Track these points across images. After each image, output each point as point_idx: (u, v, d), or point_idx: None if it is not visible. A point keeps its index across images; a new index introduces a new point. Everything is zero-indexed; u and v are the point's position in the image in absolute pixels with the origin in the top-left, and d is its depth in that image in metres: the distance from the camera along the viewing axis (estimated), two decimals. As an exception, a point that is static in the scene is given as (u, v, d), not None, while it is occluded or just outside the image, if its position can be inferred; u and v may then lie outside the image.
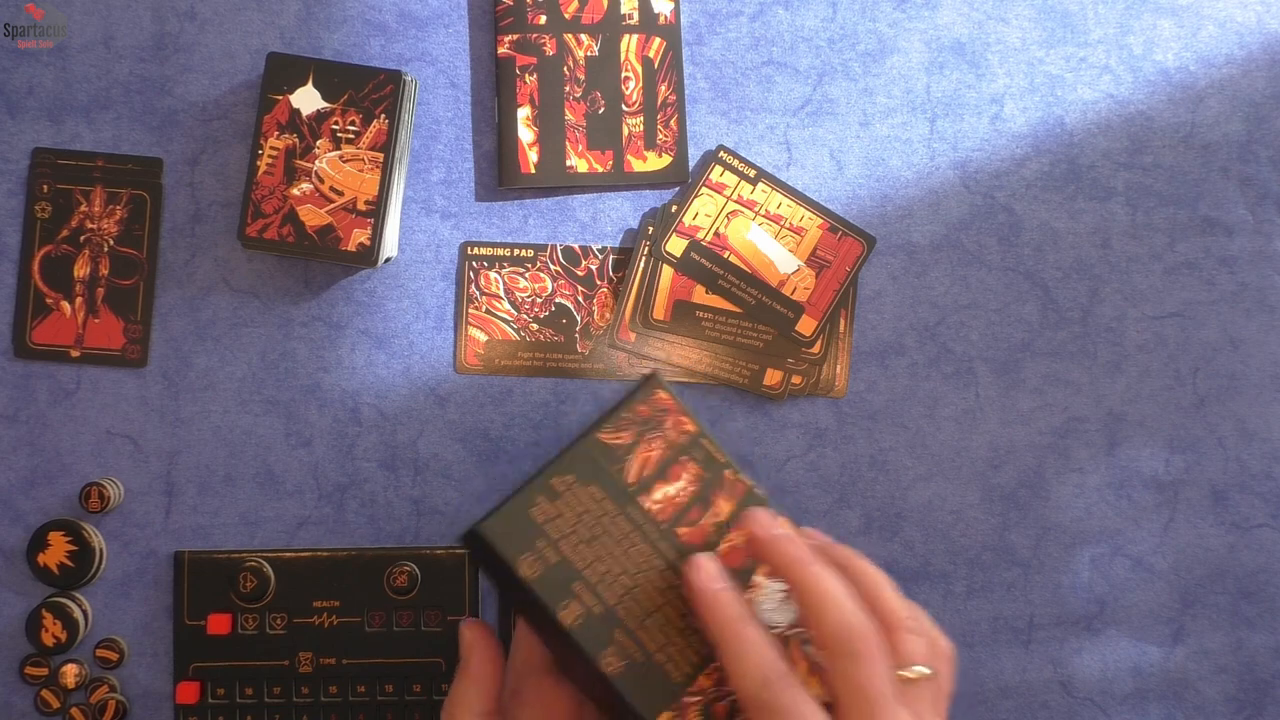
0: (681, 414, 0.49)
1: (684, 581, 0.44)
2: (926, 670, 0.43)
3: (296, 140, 0.56)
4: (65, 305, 0.59)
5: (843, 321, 0.61)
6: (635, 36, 0.60)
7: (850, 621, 0.41)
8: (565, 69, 0.60)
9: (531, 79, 0.60)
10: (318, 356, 0.60)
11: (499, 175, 0.60)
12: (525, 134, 0.60)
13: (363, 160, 0.56)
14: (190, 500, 0.59)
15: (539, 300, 0.60)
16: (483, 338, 0.60)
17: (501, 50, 0.60)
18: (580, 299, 0.60)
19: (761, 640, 0.42)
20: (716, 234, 0.60)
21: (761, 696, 0.40)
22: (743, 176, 0.60)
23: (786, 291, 0.60)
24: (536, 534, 0.43)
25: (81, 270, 0.59)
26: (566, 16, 0.60)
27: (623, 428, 0.47)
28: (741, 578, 0.45)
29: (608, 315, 0.60)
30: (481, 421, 0.60)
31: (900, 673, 0.42)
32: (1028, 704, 0.60)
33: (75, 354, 0.59)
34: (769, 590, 0.45)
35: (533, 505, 0.44)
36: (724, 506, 0.47)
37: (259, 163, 0.56)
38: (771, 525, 0.45)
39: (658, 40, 0.60)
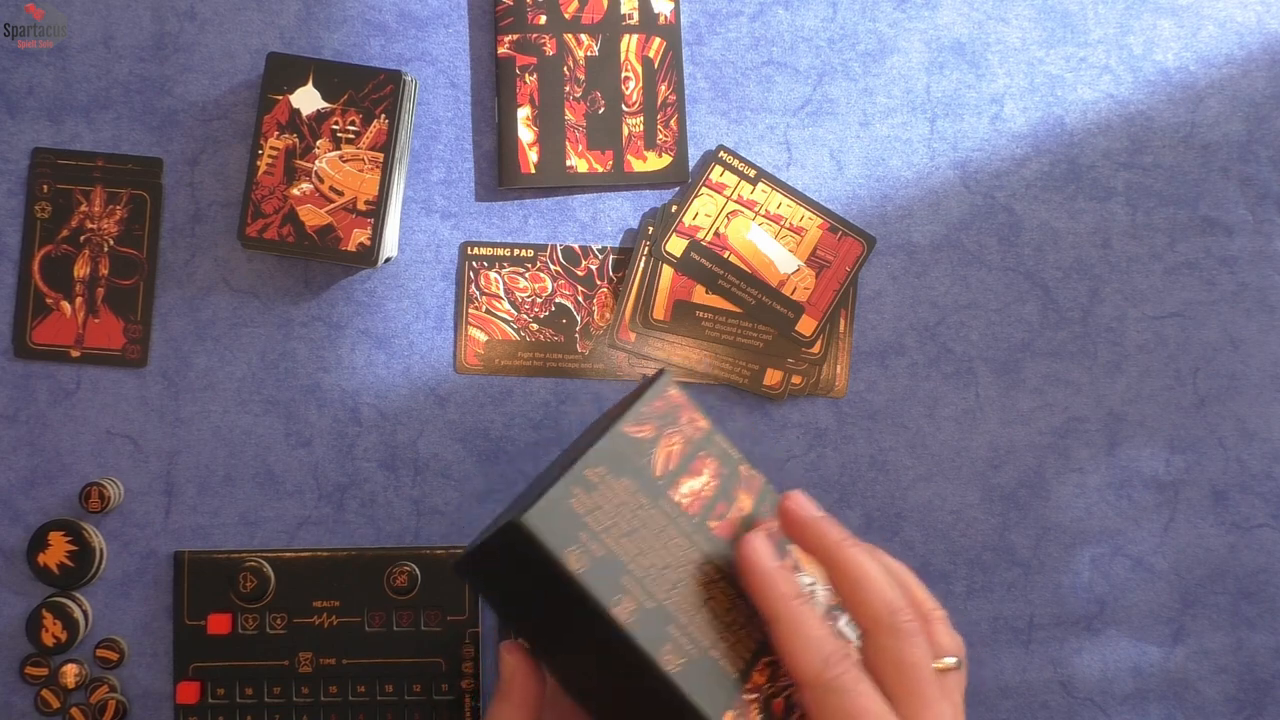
0: (693, 410, 0.48)
1: (739, 560, 0.42)
2: (954, 661, 0.43)
3: (296, 140, 0.56)
4: (65, 305, 0.59)
5: (843, 321, 0.61)
6: (635, 36, 0.60)
7: (893, 600, 0.41)
8: (565, 69, 0.60)
9: (531, 79, 0.60)
10: (318, 356, 0.60)
11: (499, 175, 0.60)
12: (525, 134, 0.60)
13: (363, 160, 0.56)
14: (190, 500, 0.59)
15: (539, 300, 0.60)
16: (483, 338, 0.60)
17: (501, 50, 0.60)
18: (580, 299, 0.60)
19: (820, 619, 0.41)
20: (716, 234, 0.60)
21: (824, 676, 0.40)
22: (743, 176, 0.60)
23: (786, 291, 0.60)
24: (579, 526, 0.40)
25: (81, 270, 0.59)
26: (566, 16, 0.60)
27: (642, 421, 0.45)
28: None
29: (608, 315, 0.60)
30: (481, 421, 0.60)
31: (933, 664, 0.42)
32: (1028, 704, 0.60)
33: (75, 354, 0.59)
34: (802, 582, 0.44)
35: (571, 497, 0.41)
36: (746, 501, 0.46)
37: (259, 163, 0.56)
38: (809, 507, 0.44)
39: (658, 40, 0.60)
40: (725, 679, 0.41)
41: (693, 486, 0.45)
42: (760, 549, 0.42)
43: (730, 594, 0.43)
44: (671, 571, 0.42)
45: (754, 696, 0.41)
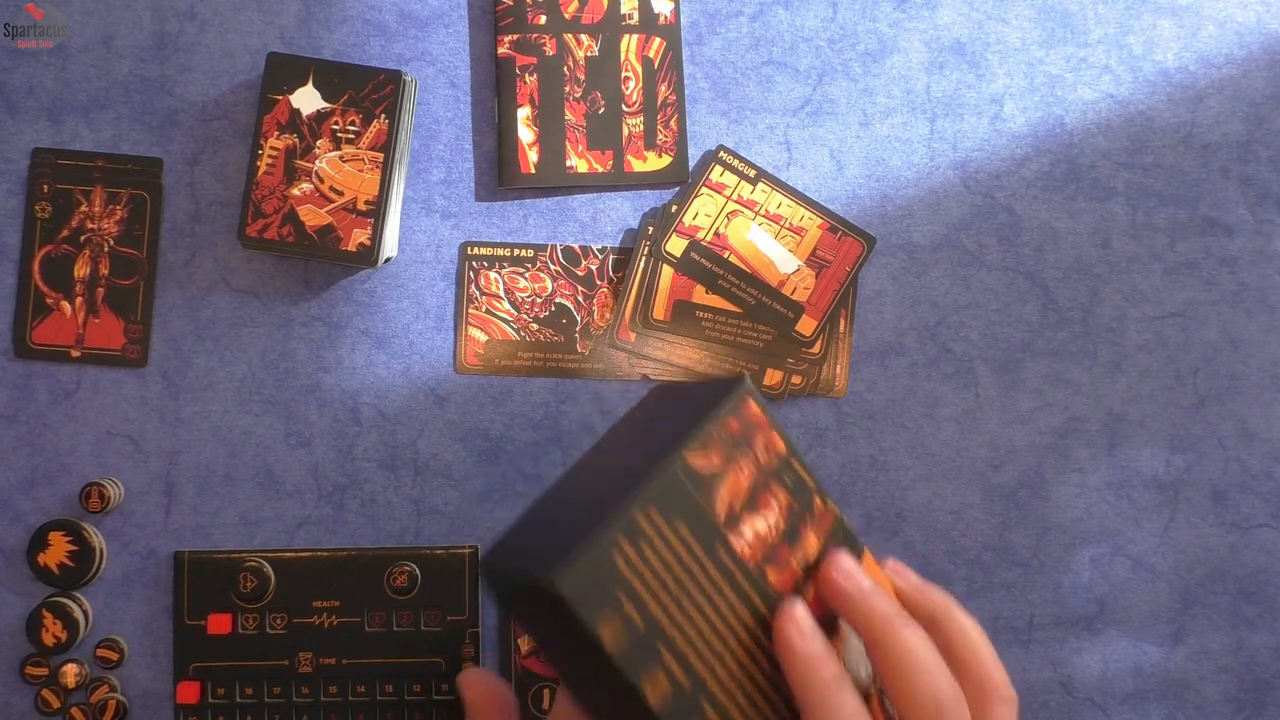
0: (772, 430, 0.41)
1: (775, 634, 0.39)
2: None
3: (296, 140, 0.56)
4: (65, 305, 0.59)
5: (843, 321, 0.61)
6: (635, 36, 0.60)
7: (939, 692, 0.38)
8: (565, 69, 0.60)
9: (531, 79, 0.60)
10: (318, 356, 0.60)
11: (499, 175, 0.60)
12: (525, 134, 0.60)
13: (363, 160, 0.56)
14: (190, 500, 0.59)
15: (539, 300, 0.60)
16: (483, 338, 0.60)
17: (501, 50, 0.60)
18: (580, 299, 0.60)
19: (854, 709, 0.37)
20: (716, 234, 0.60)
21: None
22: (743, 176, 0.60)
23: (786, 291, 0.60)
24: (619, 586, 0.36)
25: (81, 270, 0.59)
26: (566, 16, 0.60)
27: (711, 447, 0.39)
28: (827, 624, 0.41)
29: (608, 315, 0.60)
30: (481, 421, 0.60)
31: None
32: (1028, 704, 0.60)
33: (75, 354, 0.59)
34: (855, 640, 0.41)
35: (615, 548, 0.36)
36: (813, 543, 0.41)
37: (259, 163, 0.56)
38: (856, 577, 0.40)
39: (658, 40, 0.60)
40: None
41: (756, 528, 0.40)
42: (798, 624, 0.38)
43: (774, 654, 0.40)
44: (716, 637, 0.38)
45: None
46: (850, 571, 0.40)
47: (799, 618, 0.39)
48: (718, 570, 0.38)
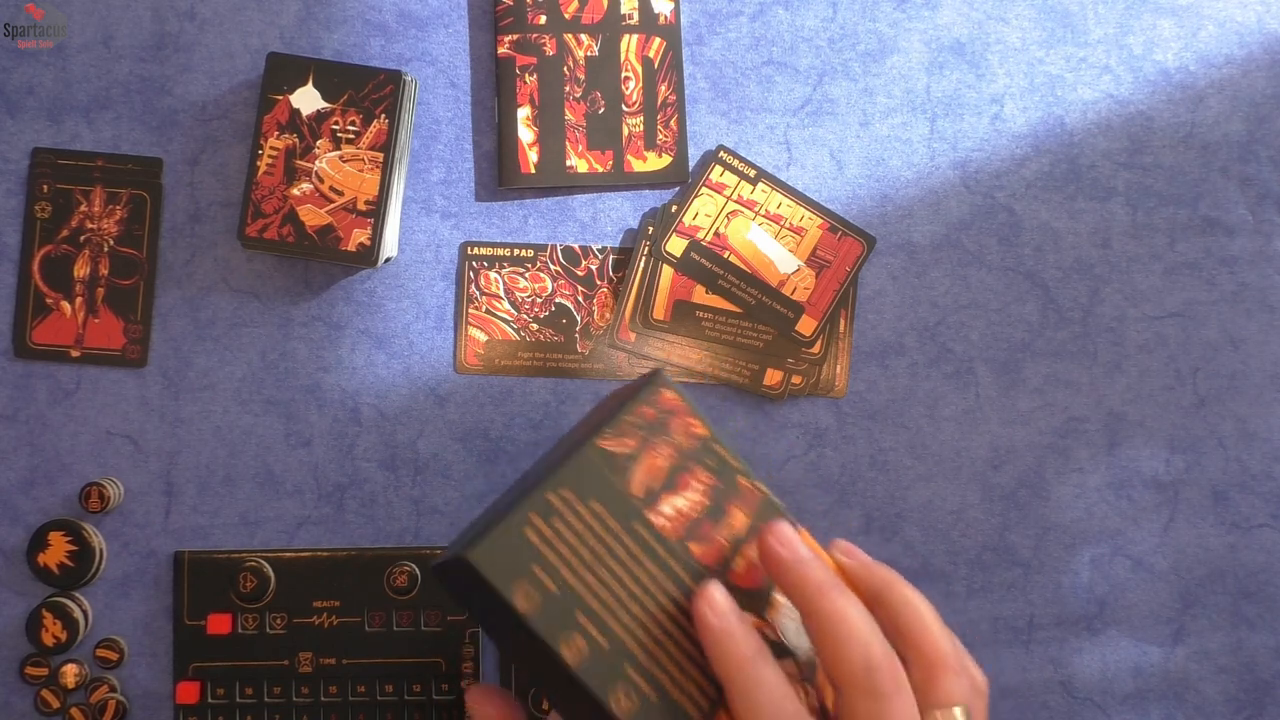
0: (690, 416, 0.44)
1: (692, 615, 0.39)
2: (959, 713, 0.39)
3: (296, 140, 0.56)
4: (65, 305, 0.59)
5: (843, 321, 0.61)
6: (635, 36, 0.60)
7: (872, 657, 0.37)
8: (565, 69, 0.60)
9: (531, 79, 0.60)
10: (318, 356, 0.60)
11: (499, 175, 0.60)
12: (525, 134, 0.60)
13: (363, 160, 0.56)
14: (190, 500, 0.59)
15: (539, 300, 0.60)
16: (483, 338, 0.60)
17: (501, 50, 0.60)
18: (580, 299, 0.60)
19: (775, 682, 0.38)
20: (716, 234, 0.60)
21: None
22: (743, 176, 0.60)
23: (786, 291, 0.60)
24: (532, 558, 0.38)
25: (81, 270, 0.59)
26: (566, 16, 0.60)
27: (625, 433, 0.42)
28: (760, 598, 0.42)
29: (608, 315, 0.60)
30: (481, 421, 0.60)
31: (937, 713, 0.39)
32: (1028, 704, 0.60)
33: (75, 354, 0.59)
34: (791, 611, 0.42)
35: (526, 525, 0.38)
36: (739, 518, 0.43)
37: (259, 163, 0.56)
38: (792, 545, 0.40)
39: (658, 40, 0.60)
40: None
41: (676, 505, 0.42)
42: (713, 603, 0.39)
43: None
44: (637, 604, 0.40)
45: None
46: (786, 540, 0.40)
47: (711, 596, 0.39)
48: (636, 544, 0.40)
